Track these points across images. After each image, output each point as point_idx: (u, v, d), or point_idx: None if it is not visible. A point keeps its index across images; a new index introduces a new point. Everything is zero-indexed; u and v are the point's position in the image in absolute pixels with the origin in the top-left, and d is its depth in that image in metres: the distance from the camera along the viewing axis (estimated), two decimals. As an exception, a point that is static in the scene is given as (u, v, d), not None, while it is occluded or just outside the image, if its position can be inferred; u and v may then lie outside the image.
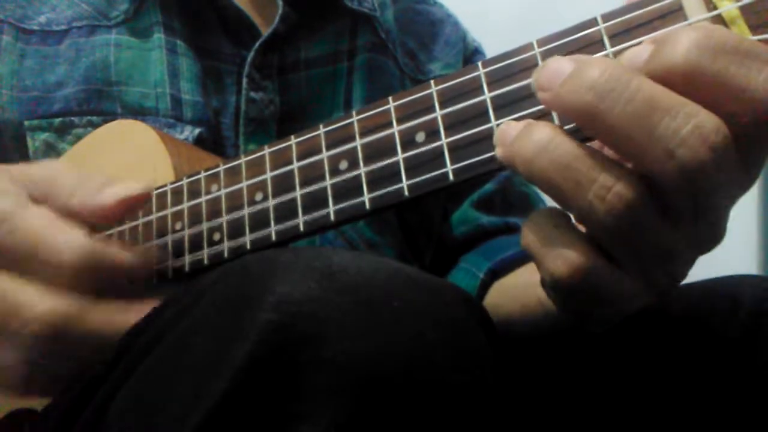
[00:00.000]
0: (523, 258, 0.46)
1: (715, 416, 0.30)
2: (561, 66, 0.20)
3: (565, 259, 0.21)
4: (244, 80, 0.44)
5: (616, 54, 0.23)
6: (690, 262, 0.23)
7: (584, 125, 0.20)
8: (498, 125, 0.24)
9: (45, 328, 0.25)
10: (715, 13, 0.21)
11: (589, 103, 0.19)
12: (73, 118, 0.41)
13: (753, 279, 0.33)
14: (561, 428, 0.33)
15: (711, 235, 0.22)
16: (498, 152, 0.23)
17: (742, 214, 0.63)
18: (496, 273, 0.46)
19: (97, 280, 0.27)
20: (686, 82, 0.19)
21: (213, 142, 0.43)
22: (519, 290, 0.42)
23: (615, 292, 0.22)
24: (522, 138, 0.21)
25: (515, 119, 0.24)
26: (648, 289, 0.22)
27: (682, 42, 0.19)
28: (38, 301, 0.26)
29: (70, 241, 0.26)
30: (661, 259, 0.22)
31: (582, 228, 0.22)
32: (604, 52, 0.23)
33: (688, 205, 0.20)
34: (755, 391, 0.29)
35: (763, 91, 0.18)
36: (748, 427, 0.29)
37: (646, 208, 0.20)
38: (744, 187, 0.22)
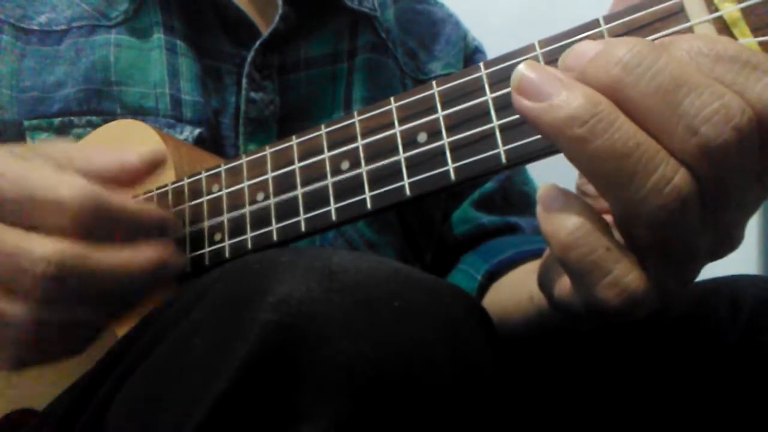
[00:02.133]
0: (519, 259, 0.46)
1: (715, 416, 0.30)
2: (589, 46, 0.20)
3: (624, 288, 0.20)
4: (244, 80, 0.44)
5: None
6: (701, 267, 0.22)
7: (611, 100, 0.19)
8: (499, 125, 0.24)
9: (51, 268, 0.25)
10: (716, 14, 0.21)
11: (616, 77, 0.19)
12: (72, 118, 0.41)
13: (753, 279, 0.33)
14: (560, 428, 0.33)
15: (728, 239, 0.22)
16: (539, 117, 0.20)
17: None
18: (494, 275, 0.46)
19: (101, 227, 0.27)
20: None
21: (213, 143, 0.43)
22: (512, 289, 0.42)
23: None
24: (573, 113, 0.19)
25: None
26: (659, 294, 0.21)
27: (681, 47, 0.19)
28: (43, 244, 0.26)
29: (70, 182, 0.26)
30: (685, 260, 0.21)
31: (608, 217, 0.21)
32: None
33: (711, 196, 0.20)
34: (755, 391, 0.29)
35: (758, 100, 0.18)
36: (748, 427, 0.29)
37: (695, 206, 0.19)
38: (758, 198, 0.21)
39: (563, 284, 0.23)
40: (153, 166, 0.30)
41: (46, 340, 0.28)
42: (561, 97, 0.19)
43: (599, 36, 0.23)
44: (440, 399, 0.21)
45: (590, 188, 0.28)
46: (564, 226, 0.21)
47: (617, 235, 0.21)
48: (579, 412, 0.33)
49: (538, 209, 0.22)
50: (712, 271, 0.36)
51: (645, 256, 0.21)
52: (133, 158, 0.30)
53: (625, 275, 0.20)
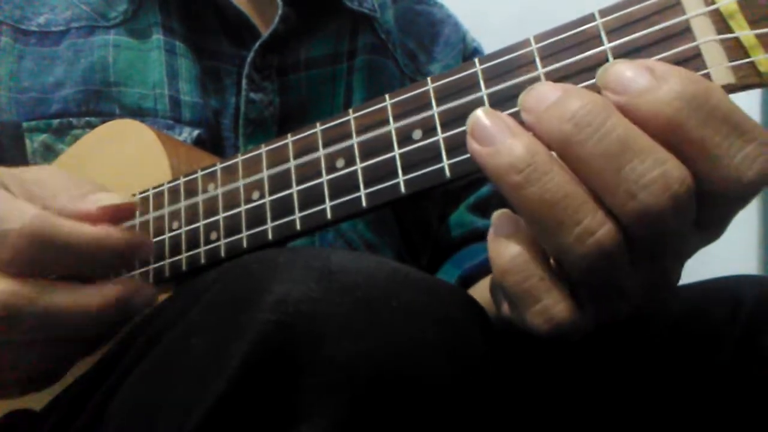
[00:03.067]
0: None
1: (715, 416, 0.29)
2: (547, 92, 0.21)
3: (551, 318, 0.21)
4: (244, 81, 0.44)
5: (613, 50, 0.23)
6: (635, 310, 0.24)
7: (559, 152, 0.21)
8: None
9: None
10: (713, 7, 0.21)
11: (567, 133, 0.20)
12: (71, 119, 0.41)
13: (753, 279, 0.32)
14: (559, 427, 0.33)
15: (664, 282, 0.23)
16: (485, 161, 0.21)
17: (742, 214, 0.63)
18: (467, 280, 0.47)
19: (50, 258, 0.26)
20: (667, 131, 0.19)
21: (212, 143, 0.43)
22: (482, 292, 0.42)
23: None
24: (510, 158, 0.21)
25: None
26: (591, 322, 0.23)
27: (678, 92, 0.19)
28: None
29: (17, 211, 0.25)
30: (615, 299, 0.22)
31: None
32: (601, 48, 0.23)
33: (645, 249, 0.21)
34: (755, 391, 0.29)
35: (736, 170, 0.19)
36: (748, 428, 0.29)
37: (621, 255, 0.21)
38: (700, 244, 0.22)
39: (505, 303, 0.24)
40: (112, 217, 0.28)
41: (9, 378, 0.28)
42: (505, 144, 0.21)
43: (595, 30, 0.23)
44: (439, 398, 0.21)
45: None
46: (506, 252, 0.22)
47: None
48: (578, 411, 0.33)
49: (489, 232, 0.23)
50: (712, 271, 0.36)
51: (576, 290, 0.22)
52: (91, 206, 0.27)
53: (553, 306, 0.21)
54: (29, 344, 0.27)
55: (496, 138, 0.21)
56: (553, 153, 0.21)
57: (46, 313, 0.26)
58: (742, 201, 0.21)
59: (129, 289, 0.28)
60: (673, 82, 0.19)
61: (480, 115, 0.22)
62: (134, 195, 0.34)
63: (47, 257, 0.26)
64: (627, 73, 0.20)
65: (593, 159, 0.19)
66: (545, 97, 0.21)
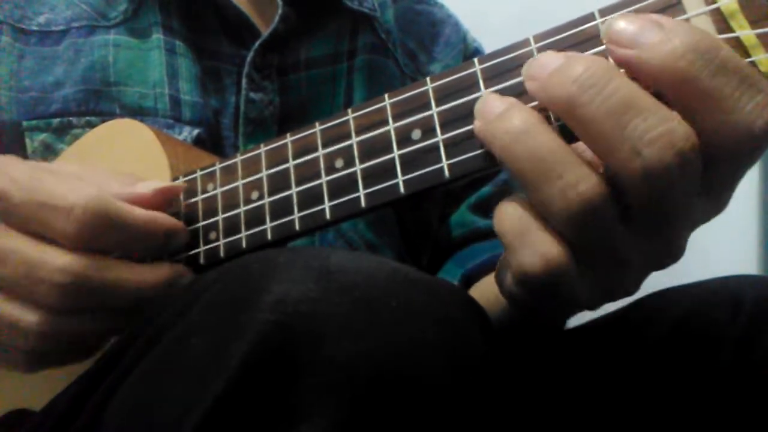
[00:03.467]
0: (494, 263, 0.46)
1: (715, 416, 0.29)
2: (551, 59, 0.21)
3: (543, 254, 0.22)
4: (244, 80, 0.44)
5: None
6: (643, 276, 0.24)
7: (564, 116, 0.21)
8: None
9: (66, 278, 0.26)
10: (713, 6, 0.21)
11: (571, 95, 0.20)
12: (71, 119, 0.41)
13: (753, 279, 0.32)
14: (559, 427, 0.33)
15: (667, 252, 0.23)
16: (476, 126, 0.23)
17: (742, 214, 0.63)
18: (470, 279, 0.47)
19: (109, 235, 0.28)
20: (679, 84, 0.19)
21: (212, 143, 0.43)
22: (485, 289, 0.42)
23: (575, 291, 0.23)
24: (502, 119, 0.22)
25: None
26: (602, 294, 0.23)
27: (690, 44, 0.19)
28: (61, 255, 0.27)
29: (79, 190, 0.27)
30: (615, 266, 0.22)
31: None
32: (600, 48, 0.23)
33: (647, 211, 0.21)
34: (755, 391, 0.29)
35: (746, 119, 0.19)
36: (748, 428, 0.29)
37: (605, 211, 0.21)
38: (706, 214, 0.22)
39: (509, 274, 0.24)
40: (165, 198, 0.30)
41: (55, 348, 0.29)
42: (500, 111, 0.22)
43: (594, 30, 0.23)
44: (438, 398, 0.21)
45: None
46: (506, 207, 0.23)
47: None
48: (577, 411, 0.33)
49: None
50: (712, 271, 0.36)
51: (574, 251, 0.22)
52: (146, 189, 0.30)
53: (546, 245, 0.22)
54: (88, 316, 0.28)
55: (491, 106, 0.22)
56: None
57: (109, 285, 0.28)
58: (749, 157, 0.21)
59: (177, 271, 0.30)
60: (683, 35, 0.19)
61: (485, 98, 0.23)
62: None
63: (107, 234, 0.28)
64: (634, 27, 0.20)
65: (597, 119, 0.20)
66: (549, 63, 0.21)
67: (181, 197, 0.33)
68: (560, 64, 0.21)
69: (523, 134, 0.21)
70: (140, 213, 0.28)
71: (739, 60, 0.19)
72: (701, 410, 0.30)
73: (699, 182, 0.20)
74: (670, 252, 0.23)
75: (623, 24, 0.20)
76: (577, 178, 0.20)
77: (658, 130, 0.19)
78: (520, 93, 0.24)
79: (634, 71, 0.20)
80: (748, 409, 0.29)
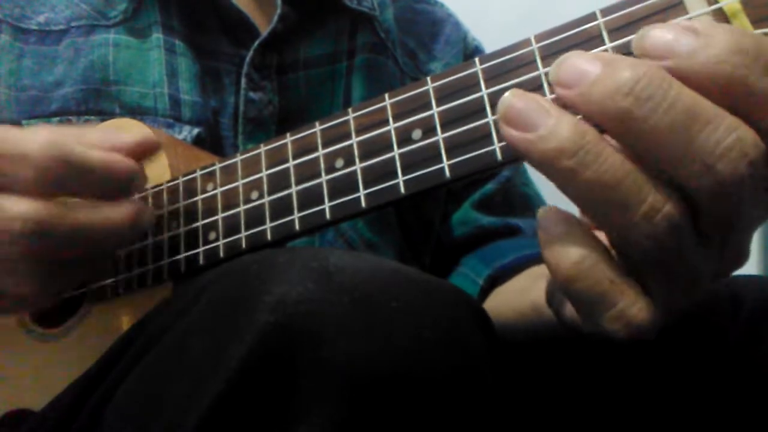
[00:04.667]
0: (521, 264, 0.46)
1: (715, 417, 0.29)
2: (586, 64, 0.19)
3: (629, 321, 0.20)
4: (243, 80, 0.44)
5: (615, 50, 0.22)
6: (707, 287, 0.22)
7: (614, 131, 0.19)
8: (495, 121, 0.24)
9: (29, 225, 0.26)
10: (716, 6, 0.21)
11: (625, 109, 0.18)
12: (71, 118, 0.41)
13: (753, 279, 0.32)
14: (559, 427, 0.33)
15: (736, 257, 0.21)
16: (529, 149, 0.19)
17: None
18: (495, 280, 0.46)
19: (70, 178, 0.27)
20: (728, 89, 0.18)
21: (212, 143, 0.43)
22: (514, 296, 0.42)
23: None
24: (553, 139, 0.19)
25: None
26: (665, 315, 0.21)
27: (731, 46, 0.18)
28: (18, 202, 0.26)
29: (33, 135, 0.26)
30: (688, 282, 0.20)
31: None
32: (602, 48, 0.23)
33: (719, 223, 0.19)
34: (756, 391, 0.29)
35: None
36: (748, 428, 0.29)
37: (689, 232, 0.19)
38: (764, 215, 0.20)
39: (570, 308, 0.23)
40: (144, 149, 0.30)
41: (28, 291, 0.28)
42: (548, 126, 0.19)
43: (596, 30, 0.23)
44: (438, 399, 0.21)
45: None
46: (567, 257, 0.20)
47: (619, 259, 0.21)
48: (578, 411, 0.33)
49: (540, 235, 0.21)
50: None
51: (645, 278, 0.20)
52: (125, 138, 0.30)
53: (630, 307, 0.20)
54: (56, 261, 0.28)
55: (537, 121, 0.19)
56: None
57: (75, 229, 0.27)
58: None
59: (139, 206, 0.29)
60: (721, 37, 0.18)
61: (510, 98, 0.20)
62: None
63: (67, 176, 0.27)
64: (668, 36, 0.18)
65: (659, 134, 0.18)
66: (585, 69, 0.19)
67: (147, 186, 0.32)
68: (603, 71, 0.18)
69: (590, 159, 0.18)
70: (97, 153, 0.28)
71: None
72: (701, 410, 0.30)
73: (764, 188, 0.19)
74: (739, 259, 0.21)
75: (655, 33, 0.18)
76: (662, 199, 0.18)
77: (729, 142, 0.17)
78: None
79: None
80: (748, 408, 0.29)
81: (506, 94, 0.20)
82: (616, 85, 0.18)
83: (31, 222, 0.26)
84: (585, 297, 0.20)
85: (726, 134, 0.17)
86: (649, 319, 0.20)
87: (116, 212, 0.28)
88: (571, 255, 0.20)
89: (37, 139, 0.26)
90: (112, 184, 0.29)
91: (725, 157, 0.17)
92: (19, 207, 0.26)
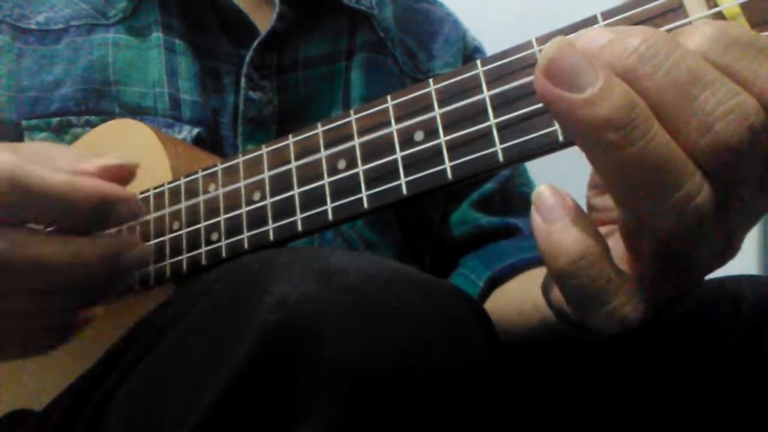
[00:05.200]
0: (523, 266, 0.46)
1: (716, 416, 0.29)
2: (600, 33, 0.18)
3: (622, 319, 0.19)
4: (243, 79, 0.44)
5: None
6: (701, 277, 0.21)
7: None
8: (496, 123, 0.24)
9: None
10: (715, 10, 0.21)
11: (631, 66, 0.17)
12: (71, 118, 0.41)
13: (753, 279, 0.32)
14: (559, 427, 0.33)
15: (730, 247, 0.21)
16: (571, 112, 0.17)
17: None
18: (495, 282, 0.46)
19: (25, 204, 0.25)
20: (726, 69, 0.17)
21: (212, 142, 0.43)
22: (516, 296, 0.42)
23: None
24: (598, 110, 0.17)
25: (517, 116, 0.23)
26: (654, 305, 0.20)
27: (694, 39, 0.18)
28: None
29: None
30: (686, 270, 0.20)
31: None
32: None
33: (717, 197, 0.18)
34: (756, 391, 0.29)
35: None
36: (749, 428, 0.29)
37: (709, 225, 0.18)
38: (762, 207, 0.20)
39: (558, 294, 0.22)
40: (112, 176, 0.28)
41: (7, 334, 0.27)
42: (596, 91, 0.17)
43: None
44: (439, 399, 0.21)
45: (598, 201, 0.26)
46: (566, 252, 0.19)
47: (616, 249, 0.20)
48: (578, 411, 0.33)
49: (536, 221, 0.20)
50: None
51: (646, 266, 0.20)
52: (99, 161, 0.27)
53: (623, 306, 0.19)
54: (27, 295, 0.27)
55: (585, 80, 0.17)
56: None
57: (37, 261, 0.25)
58: None
59: (120, 242, 0.28)
60: (689, 33, 0.18)
61: (558, 48, 0.17)
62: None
63: (25, 203, 0.25)
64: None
65: (663, 92, 0.17)
66: (598, 37, 0.18)
67: (150, 207, 0.31)
68: (613, 37, 0.18)
69: (638, 134, 0.17)
70: (59, 177, 0.26)
71: (750, 34, 0.18)
72: (701, 410, 0.30)
73: (764, 162, 0.18)
74: (733, 246, 0.21)
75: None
76: (697, 188, 0.18)
77: (730, 104, 0.17)
78: (523, 96, 0.24)
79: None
80: (748, 408, 0.29)
81: (552, 41, 0.18)
82: (622, 47, 0.18)
83: None
84: (579, 293, 0.20)
85: (727, 98, 0.17)
86: (640, 318, 0.20)
87: (86, 246, 0.26)
88: (570, 252, 0.19)
89: None
90: (79, 211, 0.26)
91: (725, 118, 0.17)
92: None
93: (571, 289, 0.20)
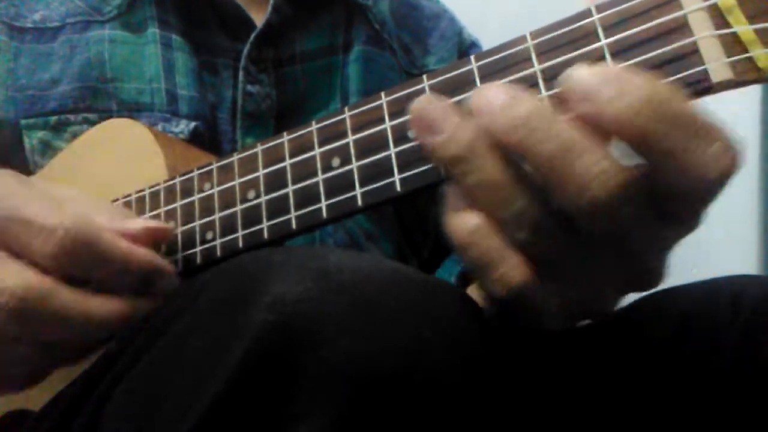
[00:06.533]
0: None
1: (716, 416, 0.29)
2: (496, 95, 0.22)
3: (507, 281, 0.22)
4: (241, 73, 0.44)
5: (610, 46, 0.22)
6: (619, 296, 0.25)
7: (517, 152, 0.22)
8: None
9: (14, 302, 0.25)
10: (711, 2, 0.21)
11: (519, 139, 0.21)
12: (68, 116, 0.41)
13: (753, 279, 0.32)
14: (557, 426, 0.33)
15: (639, 274, 0.24)
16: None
17: (742, 214, 0.62)
18: (467, 277, 0.46)
19: (86, 262, 0.27)
20: (635, 139, 0.20)
21: (210, 137, 0.43)
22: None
23: (541, 313, 0.24)
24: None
25: None
26: (576, 314, 0.24)
27: (644, 101, 0.20)
28: (13, 275, 0.26)
29: (62, 213, 0.26)
30: (585, 286, 0.23)
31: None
32: (598, 44, 0.23)
33: (606, 242, 0.22)
34: (756, 391, 0.29)
35: (700, 169, 0.20)
36: (749, 428, 0.29)
37: (553, 237, 0.22)
38: (675, 235, 0.23)
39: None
40: (153, 237, 0.29)
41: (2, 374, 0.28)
42: (446, 136, 0.22)
43: (591, 26, 0.23)
44: (437, 398, 0.21)
45: None
46: (464, 227, 0.23)
47: None
48: (576, 411, 0.33)
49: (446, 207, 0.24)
50: (712, 271, 0.36)
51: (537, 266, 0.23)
52: (135, 226, 0.29)
53: (509, 272, 0.22)
54: (32, 343, 0.27)
55: (440, 126, 0.22)
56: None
57: (55, 315, 0.26)
58: (707, 197, 0.21)
59: (133, 306, 0.29)
60: (637, 91, 0.20)
61: (423, 103, 0.23)
62: (128, 195, 0.33)
63: (85, 261, 0.27)
64: (592, 81, 0.20)
65: (544, 160, 0.21)
66: (494, 99, 0.22)
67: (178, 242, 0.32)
68: (504, 101, 0.21)
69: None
70: (122, 244, 0.28)
71: (692, 111, 0.20)
72: (701, 410, 0.30)
73: (651, 210, 0.21)
74: (642, 275, 0.24)
75: (579, 76, 0.21)
76: (524, 206, 0.22)
77: (599, 167, 0.20)
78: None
79: (592, 124, 0.21)
80: (748, 409, 0.29)
81: (421, 98, 0.23)
82: (512, 116, 0.21)
83: (15, 299, 0.25)
84: (477, 262, 0.23)
85: (596, 162, 0.20)
86: (526, 283, 0.23)
87: (101, 308, 0.27)
88: (467, 225, 0.23)
89: (68, 215, 0.26)
90: (127, 279, 0.28)
91: (596, 180, 0.20)
92: (14, 280, 0.25)
93: (471, 259, 0.23)
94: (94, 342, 0.29)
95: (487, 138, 0.22)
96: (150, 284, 0.29)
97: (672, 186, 0.21)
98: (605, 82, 0.20)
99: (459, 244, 0.23)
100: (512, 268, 0.22)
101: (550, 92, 0.23)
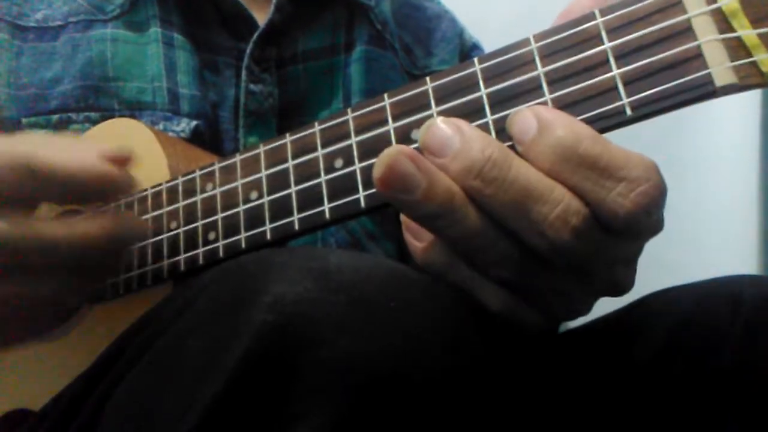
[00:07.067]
0: None
1: (716, 416, 0.29)
2: (447, 135, 0.22)
3: (490, 304, 0.24)
4: (244, 72, 0.44)
5: (613, 49, 0.22)
6: (590, 301, 0.26)
7: (475, 200, 0.22)
8: (493, 120, 0.24)
9: None
10: (714, 6, 0.21)
11: (476, 188, 0.22)
12: (70, 114, 0.41)
13: (753, 279, 0.32)
14: (557, 426, 0.33)
15: (605, 286, 0.24)
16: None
17: (742, 214, 0.62)
18: None
19: (38, 189, 0.27)
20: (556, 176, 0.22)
21: (211, 136, 0.43)
22: None
23: (524, 320, 0.25)
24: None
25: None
26: (554, 317, 0.25)
27: (548, 144, 0.21)
28: None
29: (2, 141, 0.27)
30: (555, 296, 0.24)
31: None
32: (601, 47, 0.23)
33: (569, 269, 0.23)
34: (756, 391, 0.29)
35: (611, 208, 0.21)
36: (749, 428, 0.29)
37: (523, 269, 0.23)
38: (632, 251, 0.24)
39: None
40: (113, 161, 0.29)
41: (9, 318, 0.28)
42: (421, 193, 0.22)
43: (595, 29, 0.23)
44: (437, 399, 0.21)
45: None
46: (439, 259, 0.24)
47: None
48: (576, 410, 0.33)
49: (407, 238, 0.25)
50: (712, 271, 0.36)
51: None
52: (96, 147, 0.29)
53: (487, 299, 0.24)
54: (32, 275, 0.27)
55: (413, 183, 0.22)
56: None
57: (41, 240, 0.26)
58: (640, 223, 0.22)
59: (119, 219, 0.29)
60: (553, 135, 0.21)
61: (395, 157, 0.22)
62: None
63: (33, 185, 0.27)
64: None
65: (504, 207, 0.22)
66: (446, 141, 0.22)
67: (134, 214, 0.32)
68: (458, 148, 0.22)
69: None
70: (61, 156, 0.27)
71: (597, 152, 0.21)
72: (701, 410, 0.30)
73: (601, 237, 0.22)
74: (609, 287, 0.24)
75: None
76: (506, 250, 0.23)
77: (553, 215, 0.21)
78: (520, 94, 0.24)
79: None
80: (748, 409, 0.29)
81: (389, 151, 0.22)
82: (469, 165, 0.22)
83: None
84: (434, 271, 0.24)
85: (551, 208, 0.21)
86: (501, 308, 0.24)
87: (88, 224, 0.28)
88: (441, 257, 0.24)
89: (3, 147, 0.26)
90: (82, 189, 0.28)
91: (551, 227, 0.21)
92: None
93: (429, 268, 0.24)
94: (99, 260, 0.29)
95: (464, 188, 0.22)
96: (110, 194, 0.29)
97: (603, 216, 0.22)
98: (515, 122, 0.22)
99: (434, 273, 0.24)
100: (489, 296, 0.24)
101: (554, 95, 0.23)
